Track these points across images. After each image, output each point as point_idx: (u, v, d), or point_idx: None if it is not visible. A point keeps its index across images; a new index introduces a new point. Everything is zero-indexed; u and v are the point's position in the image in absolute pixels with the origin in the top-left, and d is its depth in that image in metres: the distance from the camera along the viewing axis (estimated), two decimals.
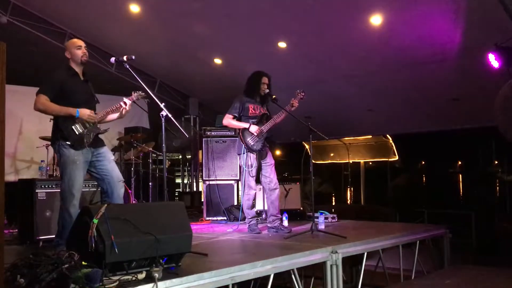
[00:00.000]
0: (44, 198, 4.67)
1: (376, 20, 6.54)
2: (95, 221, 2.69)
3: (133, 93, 4.07)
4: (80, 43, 3.96)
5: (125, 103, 4.00)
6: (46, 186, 4.72)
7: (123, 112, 4.05)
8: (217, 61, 8.69)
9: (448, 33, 6.41)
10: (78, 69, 3.93)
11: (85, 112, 3.81)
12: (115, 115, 4.08)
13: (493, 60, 5.72)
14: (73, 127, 3.76)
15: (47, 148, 6.56)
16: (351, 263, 5.06)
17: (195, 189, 10.78)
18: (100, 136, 4.00)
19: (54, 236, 3.95)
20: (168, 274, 2.82)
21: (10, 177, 7.08)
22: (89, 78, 4.05)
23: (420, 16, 6.26)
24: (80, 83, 3.93)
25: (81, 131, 3.79)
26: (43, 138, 6.51)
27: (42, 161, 6.57)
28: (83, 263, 2.64)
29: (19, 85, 7.45)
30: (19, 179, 5.45)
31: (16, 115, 7.68)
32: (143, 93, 4.08)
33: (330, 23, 6.84)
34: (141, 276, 2.73)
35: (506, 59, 5.65)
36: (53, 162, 6.30)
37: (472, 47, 6.42)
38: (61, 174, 3.81)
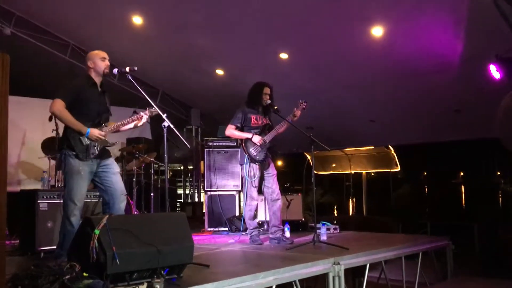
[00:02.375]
0: (46, 209, 4.67)
1: (377, 31, 6.58)
2: (97, 232, 2.69)
3: (148, 109, 4.10)
4: (104, 54, 4.01)
5: (141, 117, 4.07)
6: (48, 197, 4.72)
7: (137, 124, 4.12)
8: (219, 72, 8.73)
9: (449, 44, 6.44)
10: (97, 80, 3.97)
11: (94, 133, 3.82)
12: (131, 125, 4.14)
13: (494, 71, 5.74)
14: (80, 137, 3.78)
15: (49, 159, 6.57)
16: (353, 274, 5.03)
17: (196, 199, 10.77)
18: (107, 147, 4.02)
19: (55, 247, 3.95)
20: (170, 286, 2.81)
21: (12, 188, 7.07)
22: (107, 90, 4.09)
23: (421, 27, 6.30)
24: (97, 94, 3.96)
25: (87, 142, 3.81)
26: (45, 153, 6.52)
27: (44, 172, 6.58)
28: (84, 274, 2.63)
29: (23, 96, 7.49)
30: (21, 190, 5.45)
31: (19, 126, 7.72)
32: (158, 111, 4.09)
33: (332, 34, 6.88)
34: (142, 287, 2.72)
35: (507, 70, 5.66)
36: (55, 173, 6.31)
37: (473, 58, 6.44)
38: (65, 182, 3.83)
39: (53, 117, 6.19)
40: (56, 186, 6.11)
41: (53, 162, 6.47)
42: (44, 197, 4.70)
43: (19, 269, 2.60)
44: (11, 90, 2.36)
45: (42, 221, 4.63)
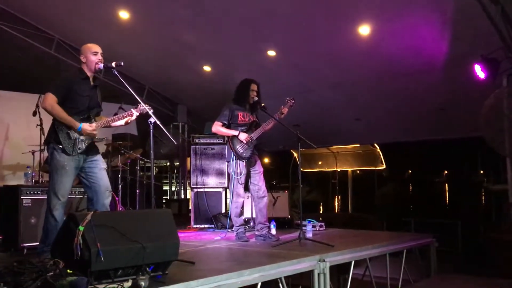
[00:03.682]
0: (29, 204, 4.61)
1: (364, 30, 6.60)
2: (81, 228, 2.67)
3: (139, 106, 4.06)
4: (97, 48, 3.95)
5: (132, 114, 4.03)
6: (31, 193, 4.65)
7: (128, 121, 4.09)
8: (206, 68, 8.70)
9: (435, 44, 6.49)
10: (89, 74, 3.94)
11: (87, 128, 3.79)
12: (122, 121, 4.10)
13: (479, 71, 5.79)
14: (68, 131, 3.75)
15: (33, 154, 6.48)
16: (338, 271, 5.07)
17: (182, 196, 10.72)
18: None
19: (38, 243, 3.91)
20: (155, 283, 2.80)
21: None
22: (99, 85, 4.07)
23: (407, 26, 6.34)
24: (89, 89, 3.94)
25: (75, 136, 3.77)
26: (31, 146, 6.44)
27: (28, 167, 6.49)
28: (68, 271, 2.61)
29: (6, 90, 7.38)
30: (4, 185, 5.37)
31: (2, 120, 7.61)
32: (146, 108, 4.03)
33: (319, 33, 6.89)
34: (127, 284, 2.70)
35: (492, 70, 5.72)
36: (39, 168, 6.23)
37: (458, 58, 6.51)
38: (50, 176, 3.83)
39: (37, 111, 6.15)
40: (40, 181, 6.04)
41: (37, 157, 6.39)
42: (28, 193, 4.63)
43: (2, 266, 2.56)
44: None
45: (26, 217, 4.57)
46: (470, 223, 8.89)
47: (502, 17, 5.44)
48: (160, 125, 4.03)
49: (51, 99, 3.69)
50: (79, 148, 3.79)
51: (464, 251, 8.05)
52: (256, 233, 5.20)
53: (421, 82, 7.44)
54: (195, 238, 5.61)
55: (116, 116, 4.06)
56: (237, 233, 5.16)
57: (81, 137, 3.80)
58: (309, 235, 5.31)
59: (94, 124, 3.88)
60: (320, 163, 13.20)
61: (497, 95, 5.96)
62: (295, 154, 10.28)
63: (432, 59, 6.82)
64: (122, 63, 3.93)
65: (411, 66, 7.13)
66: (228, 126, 5.20)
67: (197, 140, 7.11)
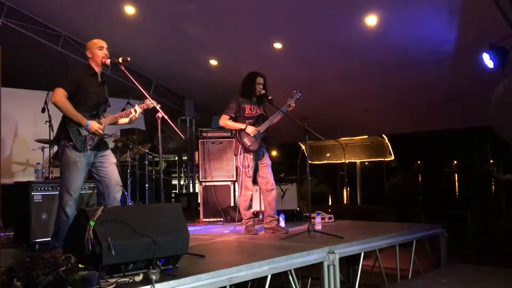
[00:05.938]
0: (40, 200, 4.65)
1: (371, 20, 6.55)
2: (92, 223, 2.69)
3: (145, 101, 4.09)
4: (102, 43, 3.98)
5: (135, 111, 4.06)
6: (42, 189, 4.69)
7: (132, 118, 4.13)
8: (213, 62, 8.69)
9: (443, 33, 6.43)
10: (97, 69, 3.96)
11: (94, 126, 3.82)
12: (126, 119, 4.15)
13: (488, 60, 5.74)
14: (78, 128, 3.78)
15: (42, 151, 6.53)
16: (348, 263, 5.08)
17: (191, 190, 10.76)
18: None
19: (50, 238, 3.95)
20: (166, 276, 2.82)
21: (6, 180, 7.04)
22: (106, 81, 4.08)
23: (415, 16, 6.28)
24: (97, 85, 3.95)
25: (86, 133, 3.80)
26: (39, 141, 6.49)
27: (38, 163, 6.54)
28: (79, 265, 2.63)
29: (13, 87, 7.42)
30: (14, 182, 5.42)
31: (11, 117, 7.65)
32: (153, 103, 4.06)
33: (325, 24, 6.85)
34: (138, 278, 2.72)
35: (501, 58, 5.66)
36: (49, 164, 6.28)
37: (467, 47, 6.45)
38: (61, 172, 3.87)
39: (46, 108, 6.19)
40: (50, 177, 6.09)
41: (46, 153, 6.44)
42: (38, 189, 4.67)
43: (14, 261, 2.59)
44: (2, 82, 2.34)
45: (37, 213, 4.61)
46: (480, 213, 8.84)
47: (510, 5, 5.38)
48: (168, 119, 4.05)
49: (60, 93, 3.70)
50: (90, 145, 3.82)
51: (474, 241, 8.01)
52: (265, 226, 5.21)
53: (429, 72, 7.38)
54: (204, 232, 5.64)
55: (122, 112, 4.09)
56: (246, 226, 5.17)
57: (90, 134, 3.83)
58: (318, 227, 5.31)
59: (102, 120, 3.91)
60: (328, 155, 13.16)
61: (506, 84, 5.90)
62: (303, 147, 10.26)
63: (441, 49, 6.76)
64: (129, 59, 3.95)
65: (419, 56, 7.07)
66: (235, 119, 5.21)
67: (204, 134, 7.13)
